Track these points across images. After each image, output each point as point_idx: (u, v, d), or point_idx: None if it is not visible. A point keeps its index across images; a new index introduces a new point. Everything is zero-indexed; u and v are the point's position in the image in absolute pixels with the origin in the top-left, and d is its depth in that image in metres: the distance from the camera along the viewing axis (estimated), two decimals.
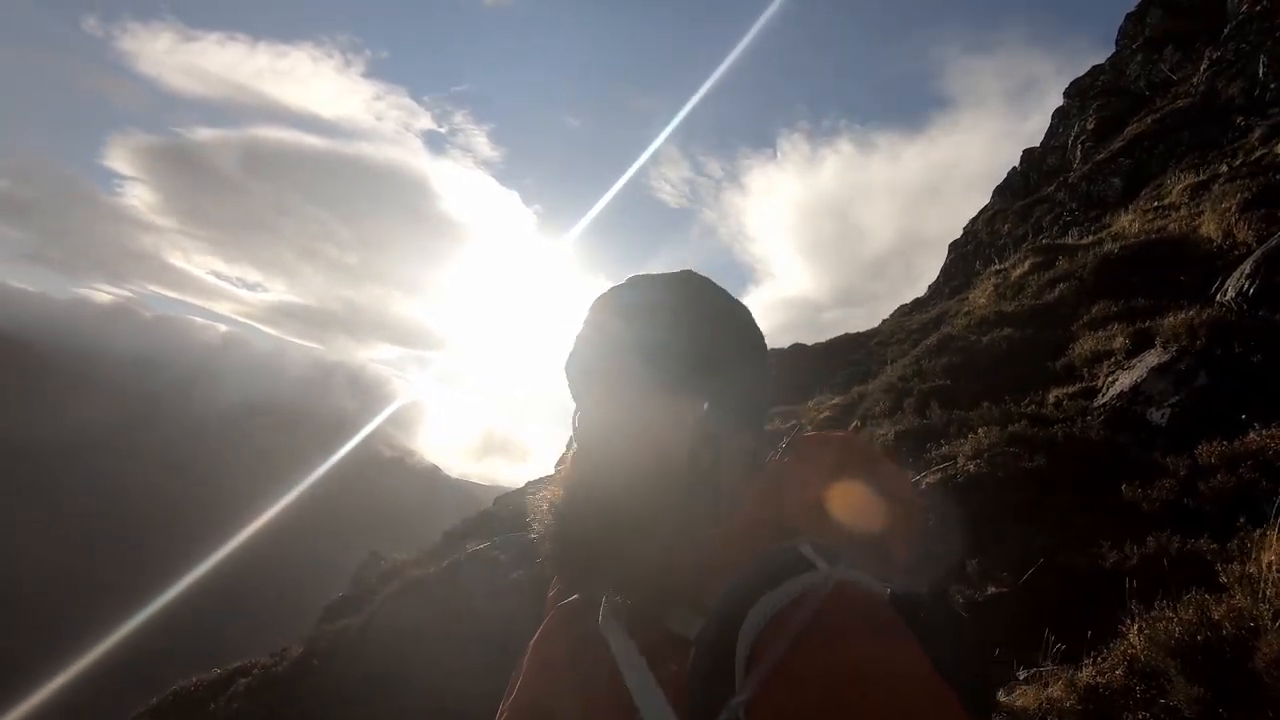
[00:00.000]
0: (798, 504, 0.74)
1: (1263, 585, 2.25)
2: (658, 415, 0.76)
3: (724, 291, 0.86)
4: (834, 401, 12.05)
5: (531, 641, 0.88)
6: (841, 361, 21.28)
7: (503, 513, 12.89)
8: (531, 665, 0.86)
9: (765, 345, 0.87)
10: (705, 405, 0.76)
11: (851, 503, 0.76)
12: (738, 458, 0.78)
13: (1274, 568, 2.32)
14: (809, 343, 26.02)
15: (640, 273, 0.87)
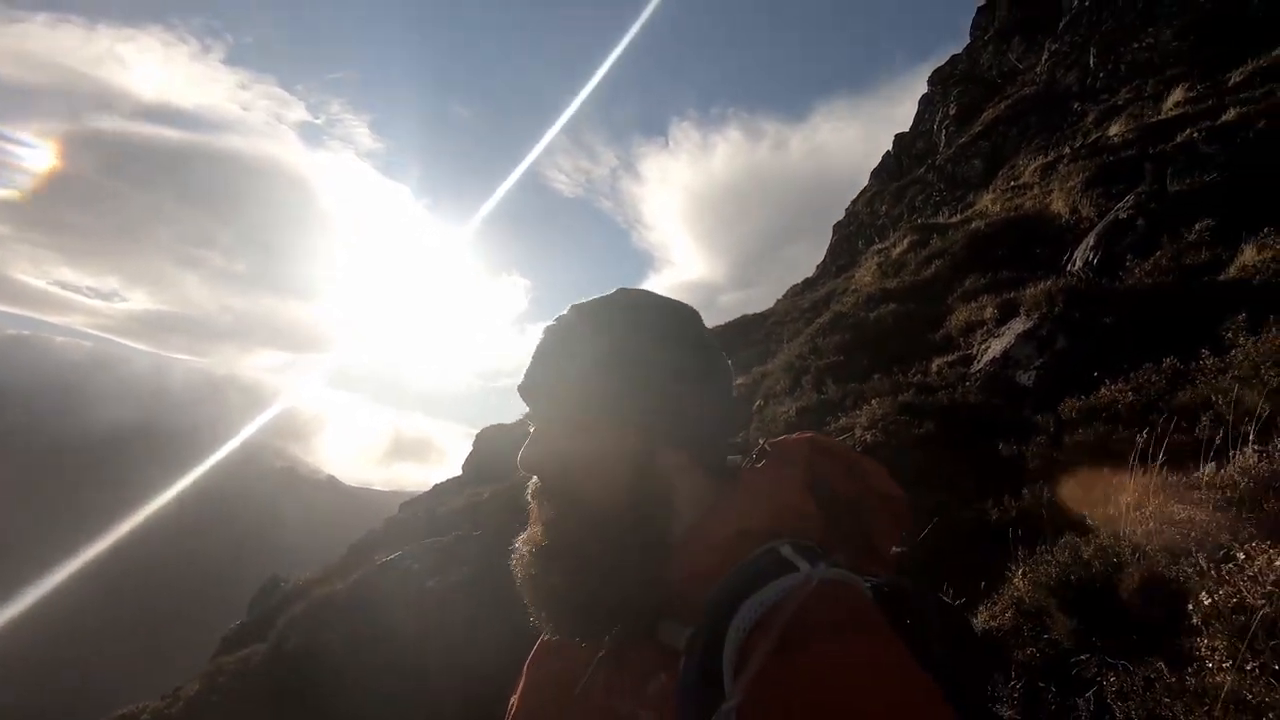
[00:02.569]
0: (777, 508, 0.75)
1: (1123, 524, 2.55)
2: (597, 445, 0.78)
3: (666, 306, 0.86)
4: (739, 382, 12.45)
5: (525, 662, 0.90)
6: (742, 342, 21.98)
7: (410, 519, 12.46)
8: (525, 687, 0.87)
9: (719, 356, 0.87)
10: (642, 430, 0.78)
11: (831, 502, 0.78)
12: (691, 475, 0.79)
13: (1131, 508, 2.64)
14: (710, 325, 26.68)
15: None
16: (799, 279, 27.05)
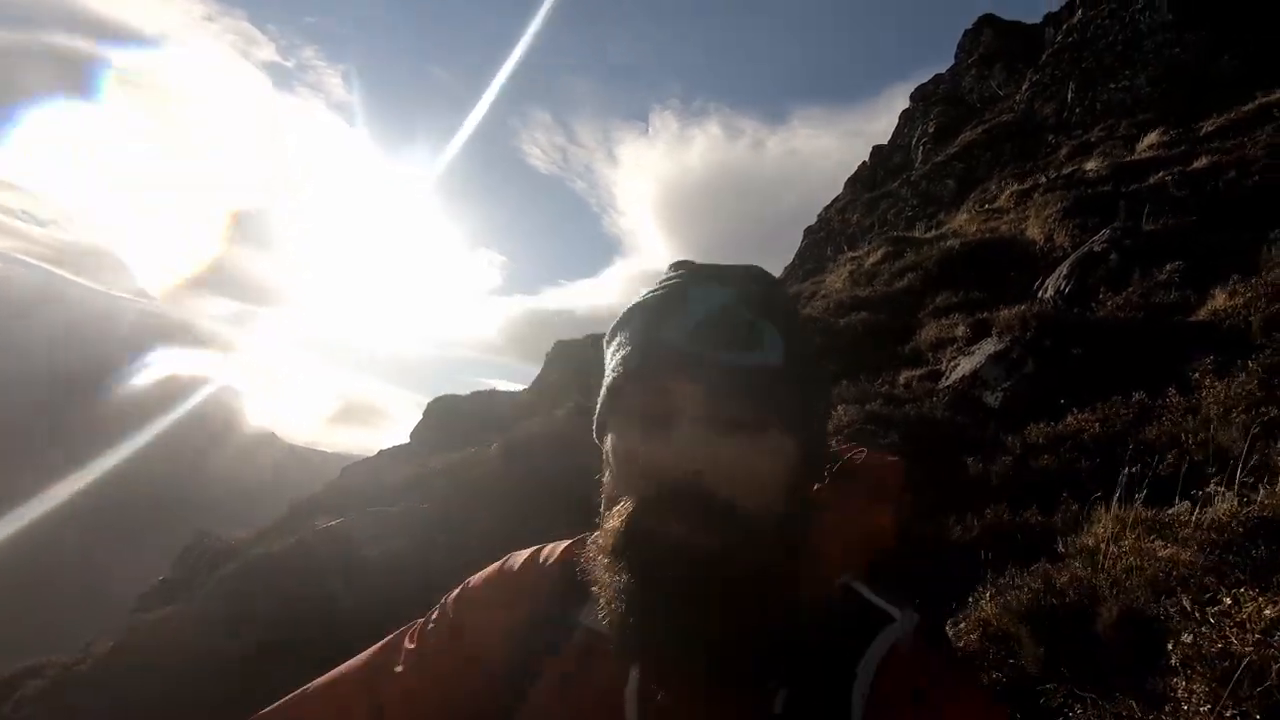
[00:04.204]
0: (848, 538, 0.70)
1: (1101, 557, 2.54)
2: (775, 451, 0.64)
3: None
4: None
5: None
6: None
7: (351, 484, 12.07)
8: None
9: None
10: (802, 444, 0.67)
11: (887, 536, 0.74)
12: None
13: (1106, 541, 2.63)
14: None
15: (682, 258, 0.74)
16: None
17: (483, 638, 0.78)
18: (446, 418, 19.35)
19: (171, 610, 7.68)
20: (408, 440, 20.86)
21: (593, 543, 0.69)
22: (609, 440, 0.70)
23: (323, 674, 0.82)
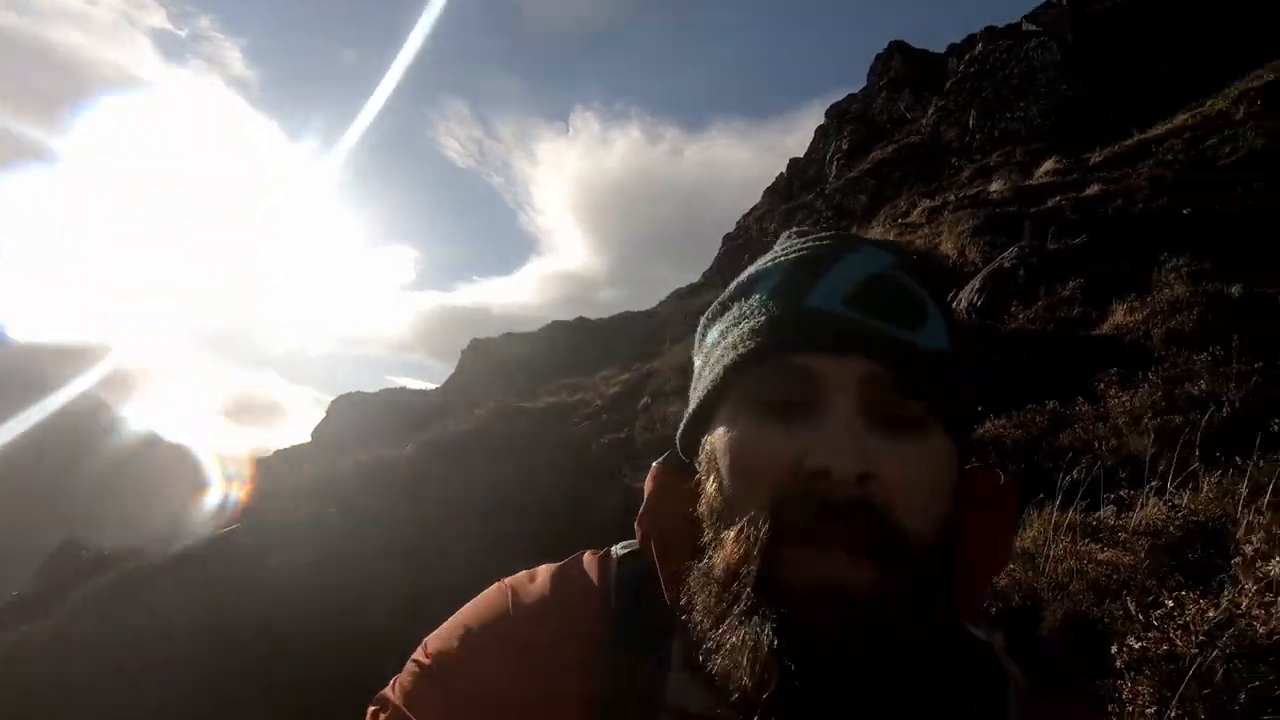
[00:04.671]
0: (978, 571, 0.57)
1: (1040, 560, 2.61)
2: (934, 463, 0.50)
3: None
4: (623, 377, 12.34)
5: None
6: (624, 339, 22.04)
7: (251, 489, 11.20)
8: None
9: None
10: (962, 454, 0.54)
11: (1004, 565, 0.63)
12: None
13: (1041, 544, 2.72)
14: (592, 318, 26.63)
15: (799, 228, 0.60)
16: (678, 283, 27.68)
17: None
18: (352, 416, 18.40)
19: (29, 629, 6.81)
20: (309, 440, 19.65)
21: (696, 582, 0.51)
22: (717, 437, 0.54)
23: (205, 686, 0.60)
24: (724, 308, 0.58)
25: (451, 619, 0.61)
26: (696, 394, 0.58)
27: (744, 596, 0.46)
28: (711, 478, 0.53)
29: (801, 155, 28.97)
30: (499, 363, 22.69)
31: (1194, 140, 9.19)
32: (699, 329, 0.61)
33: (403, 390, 21.78)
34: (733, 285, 0.59)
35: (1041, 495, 3.24)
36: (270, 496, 8.71)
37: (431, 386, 23.98)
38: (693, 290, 27.25)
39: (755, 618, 0.45)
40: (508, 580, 0.62)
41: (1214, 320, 4.67)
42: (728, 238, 29.63)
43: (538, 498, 6.56)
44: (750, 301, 0.55)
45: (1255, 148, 7.81)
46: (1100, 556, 2.42)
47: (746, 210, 30.45)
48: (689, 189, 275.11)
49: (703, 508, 0.54)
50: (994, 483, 0.60)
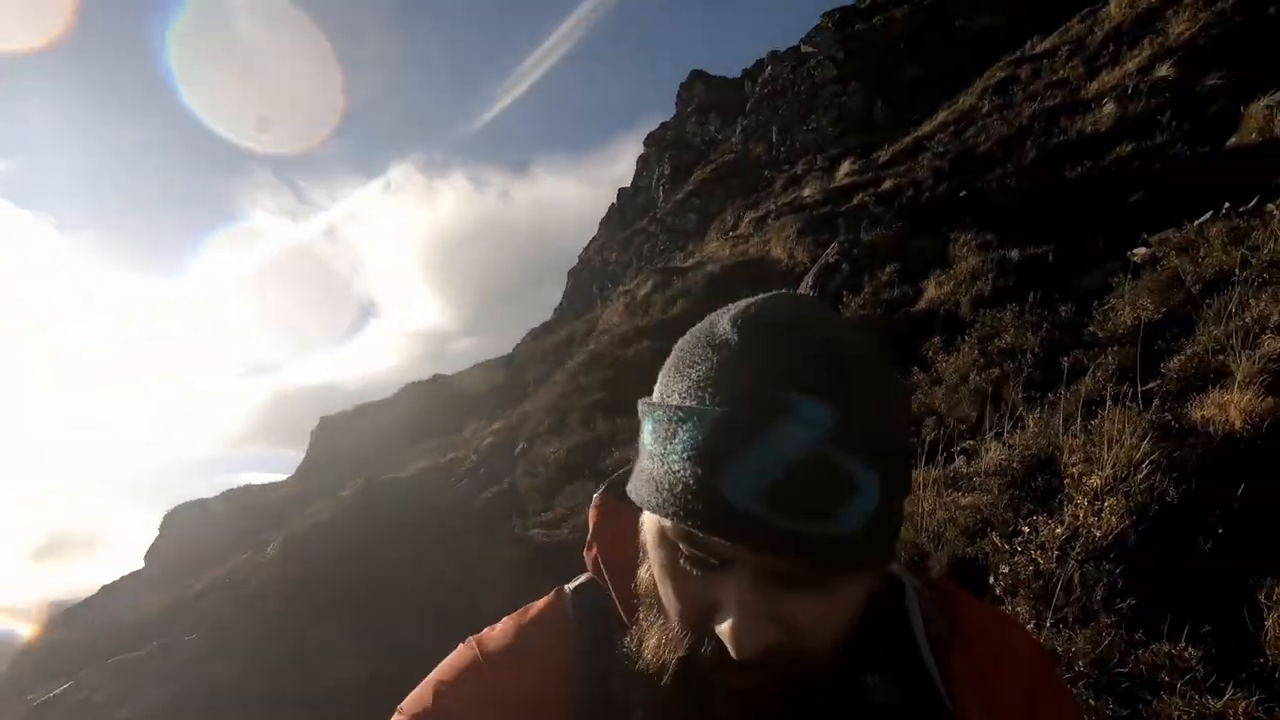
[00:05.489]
0: None
1: (918, 518, 2.88)
2: (842, 605, 0.53)
3: None
4: (495, 427, 12.01)
5: None
6: (485, 388, 21.44)
7: (75, 635, 9.55)
8: None
9: None
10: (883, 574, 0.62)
11: None
12: None
13: (914, 503, 3.00)
14: (448, 372, 25.71)
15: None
16: (534, 323, 27.56)
17: None
18: (193, 528, 16.36)
19: None
20: (141, 565, 17.17)
21: (631, 651, 0.57)
22: (650, 548, 0.56)
23: None
24: (654, 413, 0.54)
25: (423, 681, 0.64)
26: (638, 460, 0.57)
27: (662, 684, 0.54)
28: (645, 566, 0.58)
29: (629, 184, 30.08)
30: (355, 438, 21.21)
31: (956, 132, 10.67)
32: (646, 408, 0.56)
33: (248, 489, 19.71)
34: (670, 384, 0.54)
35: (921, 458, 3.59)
36: (108, 637, 7.49)
37: (282, 477, 21.87)
38: (546, 328, 27.19)
39: (670, 701, 0.54)
40: (472, 637, 0.66)
41: (1004, 282, 5.43)
42: (572, 271, 30.00)
43: (425, 568, 6.19)
44: (675, 446, 0.50)
45: (1002, 134, 9.22)
46: (963, 502, 2.71)
47: (586, 243, 31.03)
48: (526, 229, 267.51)
49: (641, 575, 0.59)
50: (1002, 626, 0.70)
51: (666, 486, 0.50)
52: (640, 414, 0.57)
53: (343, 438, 21.77)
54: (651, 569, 0.56)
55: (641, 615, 0.58)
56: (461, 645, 0.66)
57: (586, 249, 30.19)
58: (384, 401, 24.56)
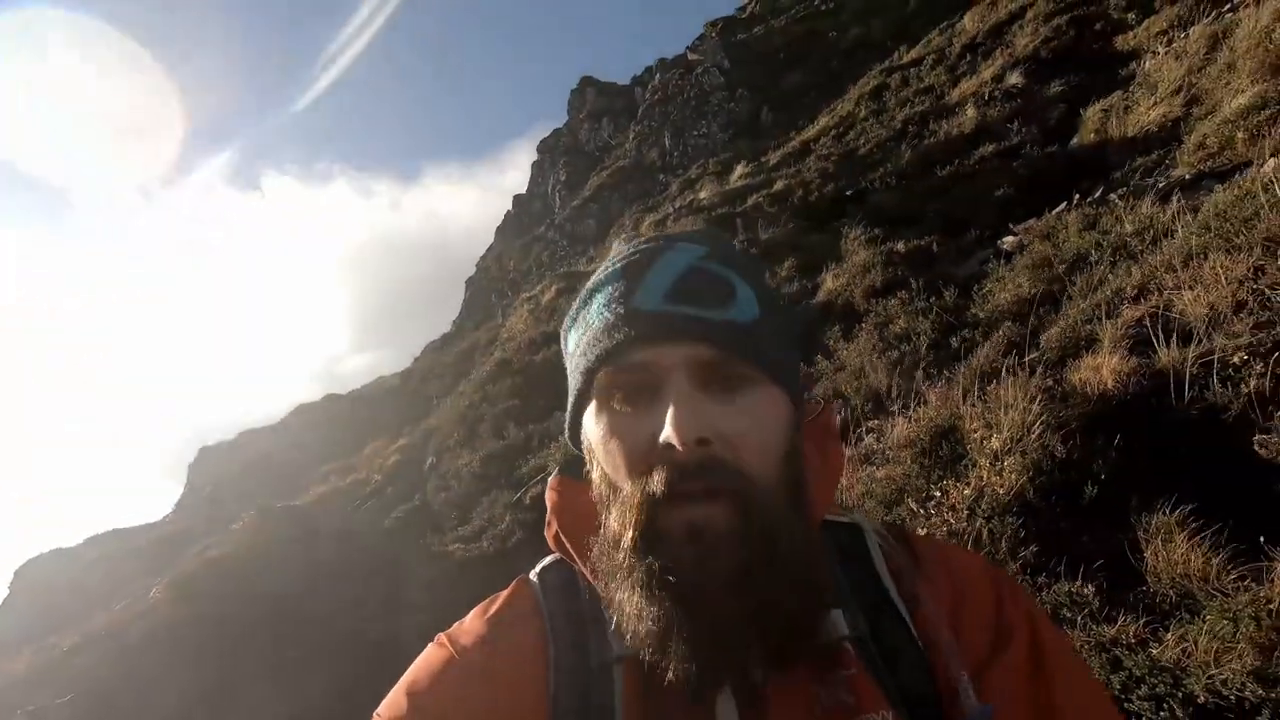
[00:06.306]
0: (823, 481, 0.73)
1: (839, 494, 3.03)
2: (766, 413, 0.61)
3: None
4: (400, 444, 11.52)
5: None
6: (384, 406, 20.52)
7: None
8: None
9: None
10: (793, 398, 0.65)
11: (841, 471, 0.78)
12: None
13: (842, 479, 3.16)
14: (341, 393, 24.40)
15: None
16: (432, 335, 26.68)
17: None
18: (52, 580, 14.63)
19: None
20: None
21: (599, 553, 0.61)
22: (590, 431, 0.64)
23: None
24: (574, 318, 0.68)
25: (397, 685, 0.64)
26: (569, 396, 0.67)
27: (625, 557, 0.57)
28: (595, 466, 0.64)
29: (524, 191, 29.76)
30: (241, 467, 19.71)
31: (838, 136, 11.32)
32: (561, 337, 0.71)
33: (116, 533, 17.85)
34: (580, 294, 0.68)
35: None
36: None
37: (157, 517, 19.96)
38: (446, 340, 26.38)
39: (635, 572, 0.56)
40: (441, 634, 0.68)
41: (893, 273, 5.81)
42: (470, 281, 29.29)
43: (339, 596, 5.85)
44: (591, 309, 0.64)
45: (880, 137, 9.88)
46: (879, 475, 2.89)
47: (483, 252, 30.40)
48: (419, 239, 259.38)
49: (594, 494, 0.64)
50: (816, 406, 0.75)
51: (593, 340, 0.62)
52: (563, 340, 0.70)
53: (226, 468, 20.19)
54: (600, 463, 0.63)
55: (601, 517, 0.62)
56: (431, 644, 0.67)
57: (483, 258, 29.58)
58: (269, 427, 22.99)
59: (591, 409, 0.63)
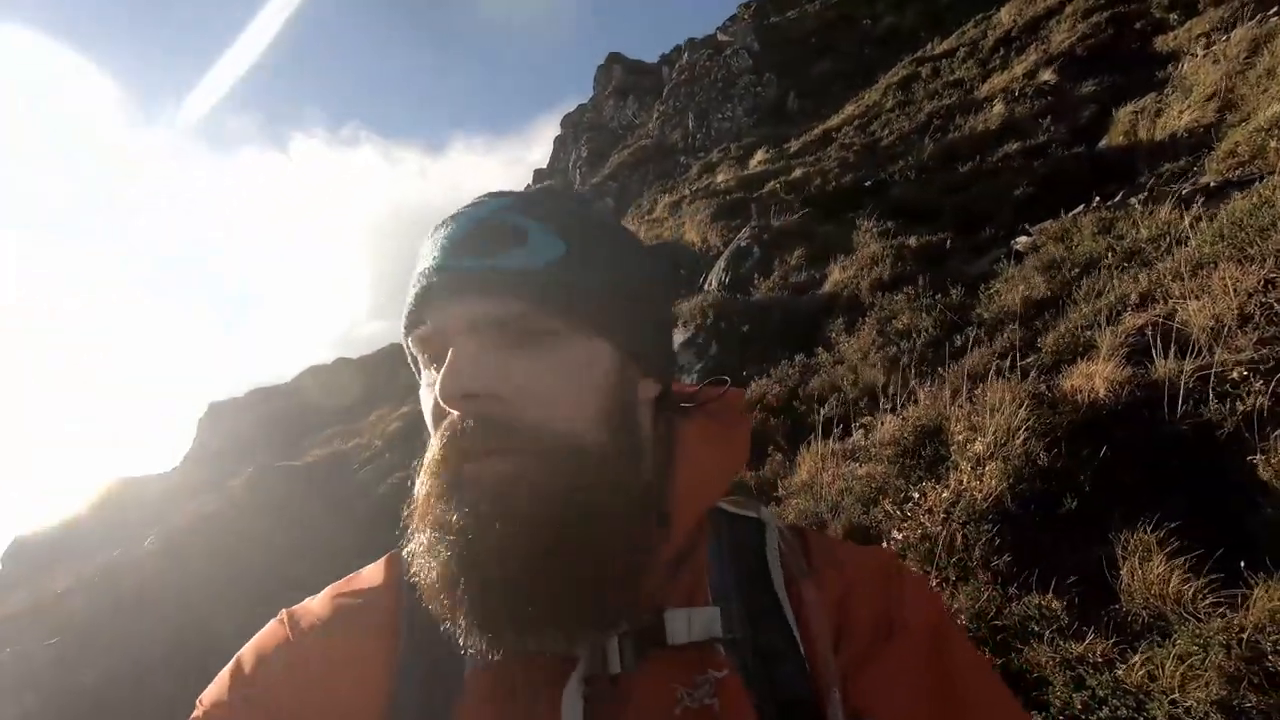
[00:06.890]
0: (736, 468, 0.69)
1: (818, 488, 2.96)
2: (576, 357, 0.56)
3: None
4: (403, 411, 11.58)
5: None
6: (393, 373, 20.66)
7: None
8: None
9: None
10: (624, 354, 0.60)
11: (741, 457, 0.72)
12: (654, 414, 0.64)
13: (819, 473, 3.09)
14: (354, 357, 24.60)
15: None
16: None
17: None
18: (55, 525, 14.97)
19: None
20: None
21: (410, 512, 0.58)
22: (423, 391, 0.61)
23: None
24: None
25: (229, 663, 0.61)
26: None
27: (416, 520, 0.55)
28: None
29: (545, 165, 29.60)
30: (249, 425, 19.96)
31: (862, 126, 11.08)
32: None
33: (126, 481, 18.14)
34: None
35: (811, 437, 3.69)
36: None
37: (166, 469, 20.27)
38: None
39: (422, 531, 0.54)
40: (285, 610, 0.64)
41: (902, 268, 5.68)
42: None
43: (328, 557, 5.88)
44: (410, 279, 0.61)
45: (904, 129, 9.65)
46: (860, 472, 2.81)
47: None
48: (443, 210, 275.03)
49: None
50: (718, 391, 0.69)
51: (404, 309, 0.58)
52: (409, 354, 0.64)
53: (233, 424, 20.45)
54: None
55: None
56: (275, 618, 0.63)
57: None
58: (279, 387, 23.24)
59: (420, 374, 0.61)
